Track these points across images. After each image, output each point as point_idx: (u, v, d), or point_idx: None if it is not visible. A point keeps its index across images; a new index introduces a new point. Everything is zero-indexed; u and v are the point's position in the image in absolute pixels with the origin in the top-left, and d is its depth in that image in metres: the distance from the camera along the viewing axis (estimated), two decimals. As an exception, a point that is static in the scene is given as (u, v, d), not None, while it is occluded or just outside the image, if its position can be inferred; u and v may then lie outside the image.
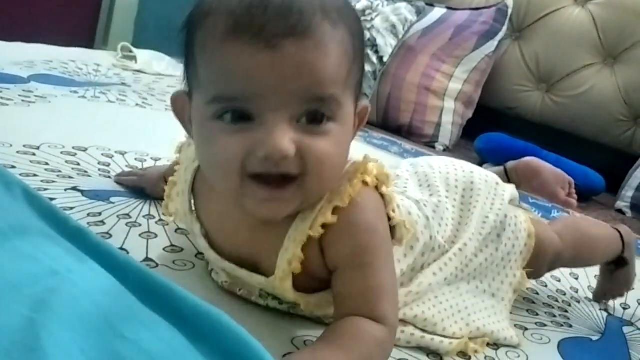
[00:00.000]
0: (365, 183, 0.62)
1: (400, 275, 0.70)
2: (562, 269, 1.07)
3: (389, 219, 0.64)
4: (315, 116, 0.55)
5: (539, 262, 0.85)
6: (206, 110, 0.56)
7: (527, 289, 0.95)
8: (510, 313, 0.83)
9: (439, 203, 0.77)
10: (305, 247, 0.61)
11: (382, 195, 0.64)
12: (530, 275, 0.84)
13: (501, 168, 1.23)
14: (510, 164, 1.25)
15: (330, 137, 0.56)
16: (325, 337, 0.58)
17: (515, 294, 0.82)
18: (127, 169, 1.00)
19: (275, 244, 0.62)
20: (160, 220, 0.84)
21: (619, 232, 0.97)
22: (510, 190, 0.86)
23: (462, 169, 0.84)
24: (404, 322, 0.70)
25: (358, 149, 1.61)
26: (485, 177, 0.84)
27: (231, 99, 0.54)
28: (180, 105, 0.62)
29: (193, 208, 0.71)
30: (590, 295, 1.00)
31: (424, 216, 0.73)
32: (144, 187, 0.92)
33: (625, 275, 0.96)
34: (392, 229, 0.65)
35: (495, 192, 0.83)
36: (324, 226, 0.60)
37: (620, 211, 1.75)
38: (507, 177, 1.17)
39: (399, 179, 0.80)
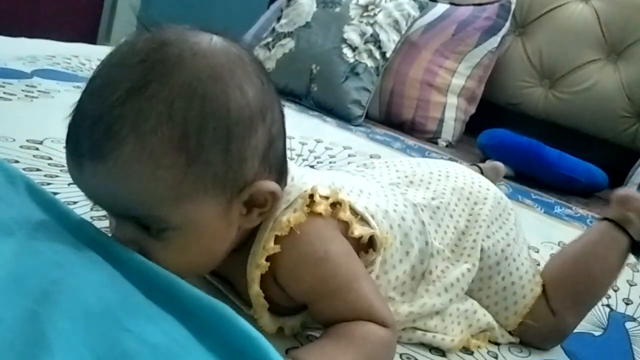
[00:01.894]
0: (318, 214, 0.60)
1: (396, 280, 0.67)
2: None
3: (358, 237, 0.62)
4: (145, 225, 0.54)
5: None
6: None
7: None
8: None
9: (438, 208, 0.74)
10: (264, 283, 0.60)
11: (342, 221, 0.62)
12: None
13: (474, 166, 1.24)
14: (483, 164, 1.31)
15: (171, 244, 0.54)
16: (331, 335, 0.57)
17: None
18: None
19: (242, 277, 0.61)
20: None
21: (623, 229, 0.82)
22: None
23: (479, 184, 0.80)
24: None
25: (361, 145, 1.60)
26: (500, 198, 0.81)
27: None
28: None
29: None
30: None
31: (420, 221, 0.70)
32: None
33: None
34: (370, 242, 0.64)
35: (505, 218, 0.79)
36: (271, 259, 0.58)
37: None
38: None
39: (403, 180, 0.78)
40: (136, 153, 0.49)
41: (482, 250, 0.73)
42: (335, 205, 0.62)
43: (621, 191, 0.87)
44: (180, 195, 0.52)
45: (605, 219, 0.84)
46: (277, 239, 0.58)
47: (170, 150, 0.50)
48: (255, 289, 0.60)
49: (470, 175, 0.82)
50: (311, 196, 0.60)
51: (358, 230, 0.62)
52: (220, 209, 0.55)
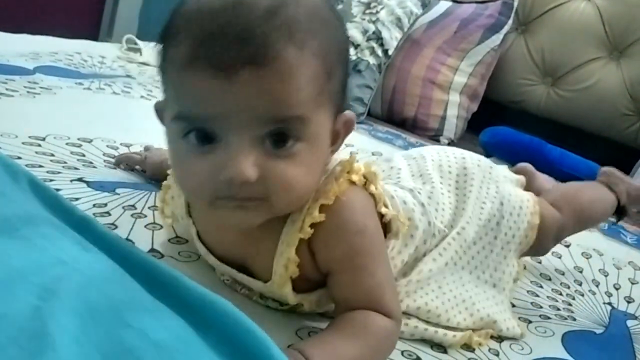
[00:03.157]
0: (352, 182, 0.62)
1: (402, 265, 0.70)
2: (566, 263, 1.07)
3: (381, 215, 0.65)
4: (280, 137, 0.54)
5: (544, 239, 0.85)
6: (173, 127, 0.56)
7: (531, 282, 0.95)
8: (513, 306, 0.84)
9: (433, 189, 0.77)
10: (297, 250, 0.61)
11: (372, 194, 0.64)
12: (536, 252, 0.87)
13: None
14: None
15: (297, 159, 0.55)
16: (334, 326, 0.59)
17: (515, 283, 0.83)
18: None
19: (269, 249, 0.62)
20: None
21: (612, 189, 1.01)
22: (504, 172, 0.88)
23: (454, 155, 0.85)
24: (407, 314, 0.70)
25: (363, 142, 1.60)
26: (478, 161, 0.85)
27: (191, 119, 0.54)
28: (162, 114, 0.62)
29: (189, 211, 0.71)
30: (594, 289, 1.00)
31: (419, 203, 0.73)
32: (144, 170, 0.94)
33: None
34: (387, 224, 0.66)
35: (490, 177, 0.83)
36: (312, 226, 0.60)
37: (616, 222, 1.74)
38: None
39: (392, 170, 0.81)
40: (297, 59, 0.52)
41: (479, 219, 0.78)
42: (366, 179, 0.64)
43: (608, 167, 1.06)
44: (319, 103, 0.55)
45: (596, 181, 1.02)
46: (322, 208, 0.60)
47: (317, 61, 0.54)
48: (290, 254, 0.61)
49: (443, 150, 0.86)
50: (349, 164, 0.62)
51: (383, 209, 0.65)
52: (331, 129, 0.59)
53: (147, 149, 1.00)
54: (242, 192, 0.54)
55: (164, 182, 0.75)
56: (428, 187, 0.77)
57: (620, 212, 1.02)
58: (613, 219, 1.04)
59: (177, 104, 0.55)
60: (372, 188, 0.64)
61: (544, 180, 1.11)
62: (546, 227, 0.85)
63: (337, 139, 0.62)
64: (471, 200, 0.79)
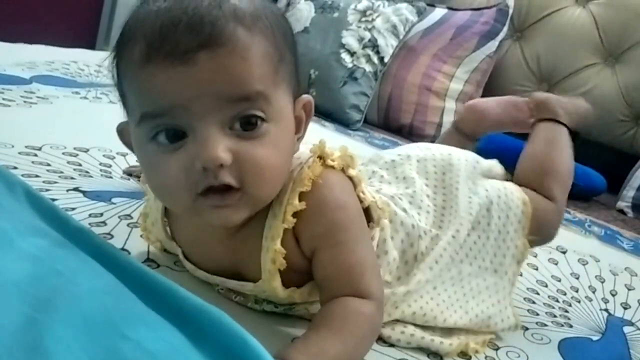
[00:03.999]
0: (330, 167, 0.63)
1: (393, 261, 0.71)
2: (563, 269, 1.08)
3: (360, 201, 0.66)
4: (247, 120, 0.55)
5: (544, 228, 0.86)
6: (140, 132, 0.57)
7: (527, 288, 0.95)
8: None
9: (414, 194, 0.77)
10: (283, 241, 0.61)
11: (350, 178, 0.65)
12: (541, 242, 0.87)
13: (451, 130, 1.16)
14: (456, 119, 1.19)
15: (266, 140, 0.56)
16: (315, 324, 0.58)
17: (519, 265, 0.82)
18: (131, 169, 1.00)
19: (254, 247, 0.63)
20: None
21: (556, 121, 0.99)
22: (490, 164, 0.88)
23: (440, 151, 0.84)
24: (403, 322, 0.70)
25: (360, 150, 1.61)
26: (465, 157, 0.85)
27: (156, 115, 0.55)
28: (127, 135, 0.62)
29: (170, 234, 0.71)
30: (591, 295, 1.00)
31: (401, 209, 0.74)
32: None
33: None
34: (366, 211, 0.67)
35: (475, 170, 0.84)
36: (294, 215, 0.61)
37: (621, 211, 1.75)
38: (462, 135, 1.10)
39: (374, 176, 0.81)
40: (248, 39, 0.54)
41: (470, 214, 0.78)
42: (344, 161, 0.65)
43: (538, 95, 1.04)
44: (277, 81, 0.57)
45: (539, 120, 0.99)
46: (301, 196, 0.61)
47: (267, 42, 0.56)
48: (275, 247, 0.61)
49: (428, 148, 0.86)
50: (320, 157, 0.63)
51: (362, 193, 0.66)
52: (290, 107, 0.61)
53: None
54: (219, 179, 0.54)
55: (142, 211, 0.75)
56: (409, 190, 0.78)
57: (573, 137, 0.99)
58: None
59: (139, 106, 0.56)
60: (351, 171, 0.65)
61: (499, 111, 1.08)
62: (544, 219, 0.85)
63: (300, 125, 0.63)
64: (460, 199, 0.79)
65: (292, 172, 0.62)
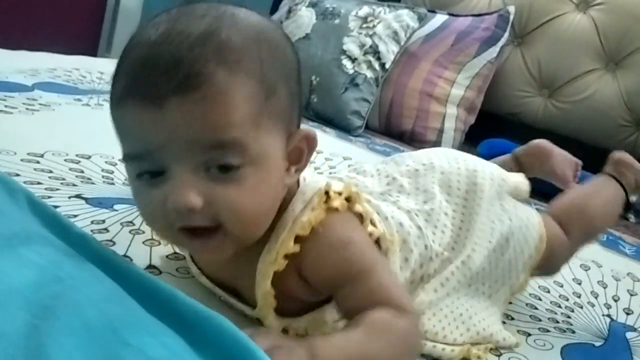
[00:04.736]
0: (335, 209, 0.61)
1: None
2: (565, 274, 1.07)
3: (369, 234, 0.64)
4: (223, 163, 0.53)
5: (552, 262, 0.86)
6: (127, 168, 0.57)
7: (530, 294, 0.95)
8: (512, 318, 0.84)
9: (432, 211, 0.74)
10: (284, 278, 0.60)
11: (358, 214, 0.63)
12: (544, 274, 0.87)
13: (509, 156, 1.16)
14: (520, 149, 1.17)
15: (244, 183, 0.54)
16: (352, 325, 0.57)
17: (512, 295, 0.82)
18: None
19: (251, 276, 0.62)
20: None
21: (617, 180, 0.98)
22: (517, 182, 0.86)
23: (466, 165, 0.81)
24: None
25: (361, 156, 1.60)
26: (491, 175, 0.81)
27: (135, 157, 0.55)
28: None
29: None
30: (593, 300, 1.00)
31: (416, 226, 0.71)
32: None
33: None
34: (376, 243, 0.65)
35: (500, 193, 0.81)
36: (288, 257, 0.59)
37: (623, 217, 1.74)
38: (517, 164, 1.12)
39: (394, 183, 0.78)
40: (227, 82, 0.52)
41: (490, 242, 0.76)
42: (349, 199, 0.63)
43: (617, 153, 1.02)
44: (260, 124, 0.54)
45: (604, 173, 0.98)
46: (297, 239, 0.59)
47: (252, 81, 0.53)
48: (265, 287, 0.60)
49: (455, 159, 0.82)
50: (326, 193, 0.61)
51: (370, 227, 0.64)
52: (283, 150, 0.58)
53: None
54: (192, 221, 0.54)
55: None
56: (428, 207, 0.75)
57: (627, 206, 0.98)
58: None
59: (122, 145, 0.56)
60: (358, 207, 0.63)
61: (560, 161, 1.08)
62: (554, 252, 0.85)
63: (300, 157, 0.61)
64: (478, 224, 0.76)
65: (294, 209, 0.61)
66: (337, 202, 0.61)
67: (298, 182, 0.63)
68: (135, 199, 0.59)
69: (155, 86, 0.51)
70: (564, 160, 1.10)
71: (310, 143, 0.61)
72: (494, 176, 0.81)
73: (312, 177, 0.65)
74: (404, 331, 0.57)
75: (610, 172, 0.98)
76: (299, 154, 0.61)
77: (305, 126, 0.62)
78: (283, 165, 0.59)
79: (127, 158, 0.56)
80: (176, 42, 0.52)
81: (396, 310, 0.57)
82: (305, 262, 0.60)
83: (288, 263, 0.59)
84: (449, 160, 0.82)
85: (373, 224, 0.65)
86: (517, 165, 1.10)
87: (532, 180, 0.91)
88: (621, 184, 0.96)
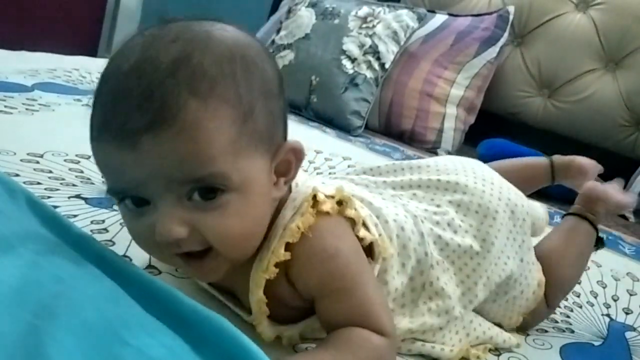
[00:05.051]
0: (325, 213, 0.60)
1: (394, 291, 0.67)
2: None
3: (361, 239, 0.63)
4: (206, 191, 0.53)
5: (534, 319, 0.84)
6: (112, 195, 0.57)
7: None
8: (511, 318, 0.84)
9: (437, 224, 0.73)
10: (274, 285, 0.60)
11: (349, 218, 0.63)
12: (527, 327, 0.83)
13: (545, 161, 1.10)
14: (560, 159, 1.11)
15: (228, 209, 0.54)
16: (325, 343, 0.58)
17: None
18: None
19: (246, 284, 0.62)
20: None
21: (589, 221, 0.91)
22: (536, 218, 0.85)
23: (491, 192, 0.78)
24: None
25: (361, 156, 1.60)
26: (514, 207, 0.79)
27: (118, 192, 0.55)
28: None
29: None
30: (593, 300, 1.00)
31: (419, 232, 0.70)
32: None
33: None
34: (370, 247, 0.64)
35: (519, 229, 0.79)
36: (279, 265, 0.59)
37: (623, 216, 1.75)
38: (552, 172, 1.08)
39: (405, 191, 0.77)
40: (200, 112, 0.50)
41: (499, 277, 0.74)
42: (342, 203, 0.63)
43: (589, 187, 0.95)
44: (239, 150, 0.53)
45: (577, 215, 0.92)
46: (288, 246, 0.59)
47: (227, 107, 0.52)
48: (258, 295, 0.60)
49: (482, 181, 0.79)
50: (314, 197, 0.61)
51: (361, 232, 0.63)
52: (267, 169, 0.57)
53: None
54: (183, 248, 0.54)
55: None
56: (437, 218, 0.73)
57: (597, 243, 0.93)
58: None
59: (104, 178, 0.56)
60: (349, 211, 0.63)
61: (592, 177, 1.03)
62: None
63: (289, 168, 0.60)
64: (492, 254, 0.74)
65: (284, 217, 0.60)
66: (327, 206, 0.60)
67: (290, 187, 0.63)
68: (124, 221, 0.59)
69: (127, 124, 0.50)
70: (594, 175, 1.06)
71: (298, 155, 0.60)
72: (516, 210, 0.79)
73: (304, 182, 0.64)
74: (375, 348, 0.57)
75: (581, 213, 0.92)
76: (287, 165, 0.60)
77: (291, 138, 0.61)
78: (269, 183, 0.58)
79: (111, 192, 0.56)
80: (147, 74, 0.50)
81: (372, 331, 0.58)
82: (292, 268, 0.60)
83: (279, 270, 0.59)
84: (475, 179, 0.79)
85: (367, 227, 0.64)
86: (548, 175, 1.07)
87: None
88: (591, 223, 0.91)
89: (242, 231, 0.56)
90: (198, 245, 0.54)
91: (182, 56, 0.51)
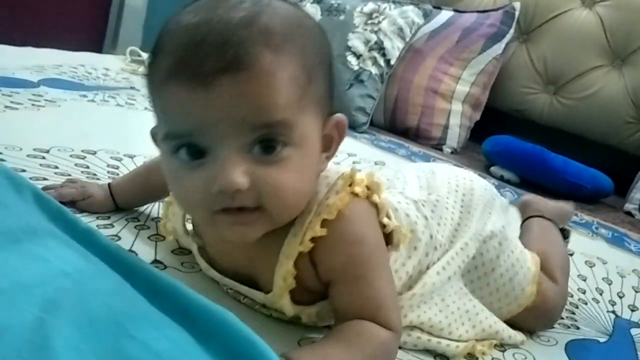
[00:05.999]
0: (355, 194, 0.62)
1: (407, 278, 0.69)
2: (570, 272, 1.07)
3: (383, 226, 0.64)
4: (267, 144, 0.54)
5: (549, 314, 0.84)
6: (164, 146, 0.57)
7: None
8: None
9: (437, 202, 0.75)
10: (298, 262, 0.61)
11: (375, 204, 0.64)
12: (541, 328, 0.83)
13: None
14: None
15: (287, 164, 0.55)
16: (328, 335, 0.59)
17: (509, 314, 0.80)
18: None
19: (271, 260, 0.63)
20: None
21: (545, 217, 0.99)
22: (507, 205, 0.87)
23: (463, 176, 0.82)
24: (410, 327, 0.70)
25: (366, 152, 1.60)
26: (485, 185, 0.83)
27: (179, 136, 0.55)
28: (157, 137, 0.62)
29: (189, 229, 0.73)
30: (598, 297, 1.00)
31: (422, 216, 0.72)
32: (90, 203, 0.82)
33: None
34: (389, 234, 0.65)
35: (492, 204, 0.81)
36: (313, 239, 0.60)
37: (629, 213, 1.74)
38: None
39: (398, 179, 0.80)
40: (273, 64, 0.52)
41: (480, 240, 0.76)
42: (369, 188, 0.64)
43: (522, 198, 1.09)
44: (303, 105, 0.55)
45: (527, 218, 1.00)
46: (324, 223, 0.60)
47: (295, 65, 0.54)
48: (288, 266, 0.61)
49: (453, 170, 0.84)
50: (350, 177, 0.62)
51: (385, 219, 0.65)
52: (319, 136, 0.59)
53: (73, 181, 0.87)
54: (236, 202, 0.54)
55: (166, 199, 0.76)
56: (433, 197, 0.76)
57: (564, 234, 1.00)
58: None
59: (163, 123, 0.56)
60: (375, 198, 0.64)
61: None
62: (549, 308, 0.83)
63: (330, 144, 0.62)
64: (475, 218, 0.77)
65: (317, 193, 0.61)
66: (359, 188, 0.62)
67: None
68: (170, 179, 0.59)
69: (204, 66, 0.51)
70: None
71: (341, 129, 0.62)
72: (487, 188, 0.83)
73: (330, 167, 0.65)
74: (382, 342, 0.59)
75: (532, 214, 0.99)
76: (330, 141, 0.62)
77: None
78: (320, 150, 0.60)
79: (170, 137, 0.56)
80: (222, 25, 0.52)
81: (380, 325, 0.59)
82: (319, 248, 0.61)
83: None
84: (447, 170, 0.84)
85: (388, 216, 0.66)
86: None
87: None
88: (547, 219, 0.98)
89: (297, 188, 0.57)
90: (251, 201, 0.55)
91: (251, 14, 0.53)
